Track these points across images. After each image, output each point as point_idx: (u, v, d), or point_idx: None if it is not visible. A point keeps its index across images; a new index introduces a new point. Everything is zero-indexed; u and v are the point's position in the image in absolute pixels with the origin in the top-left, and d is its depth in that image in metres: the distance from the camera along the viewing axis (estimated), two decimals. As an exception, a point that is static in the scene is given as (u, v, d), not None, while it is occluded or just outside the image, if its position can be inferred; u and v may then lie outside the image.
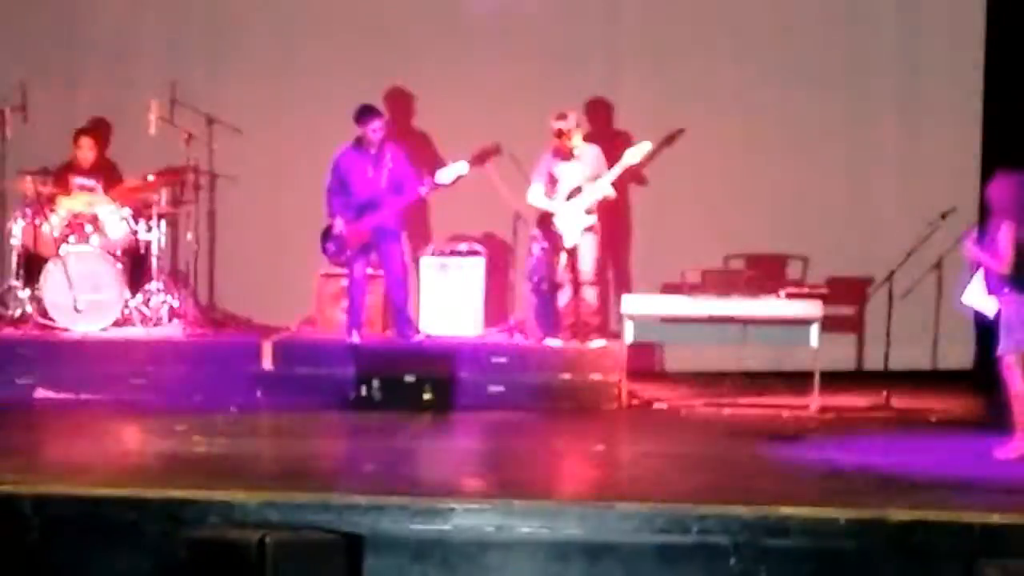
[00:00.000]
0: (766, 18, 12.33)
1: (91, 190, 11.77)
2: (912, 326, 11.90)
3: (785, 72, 12.25)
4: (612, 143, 11.72)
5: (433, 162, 11.96)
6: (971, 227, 10.53)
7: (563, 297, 11.62)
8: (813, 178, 12.17)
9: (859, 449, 10.14)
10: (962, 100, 12.16)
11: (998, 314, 9.69)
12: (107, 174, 12.03)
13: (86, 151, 11.97)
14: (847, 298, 11.89)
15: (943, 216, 11.41)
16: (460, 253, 11.96)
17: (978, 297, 9.89)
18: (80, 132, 12.02)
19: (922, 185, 11.87)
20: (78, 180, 11.80)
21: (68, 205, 11.67)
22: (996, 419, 10.14)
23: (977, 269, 9.84)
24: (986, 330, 10.44)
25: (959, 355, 11.78)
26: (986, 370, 10.66)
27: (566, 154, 11.48)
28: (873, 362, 12.01)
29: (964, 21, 12.24)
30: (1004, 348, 9.65)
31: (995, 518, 8.24)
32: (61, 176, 11.89)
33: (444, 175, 11.63)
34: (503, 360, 11.42)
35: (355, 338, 11.56)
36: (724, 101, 12.11)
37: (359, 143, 11.50)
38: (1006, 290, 9.49)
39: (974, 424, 10.70)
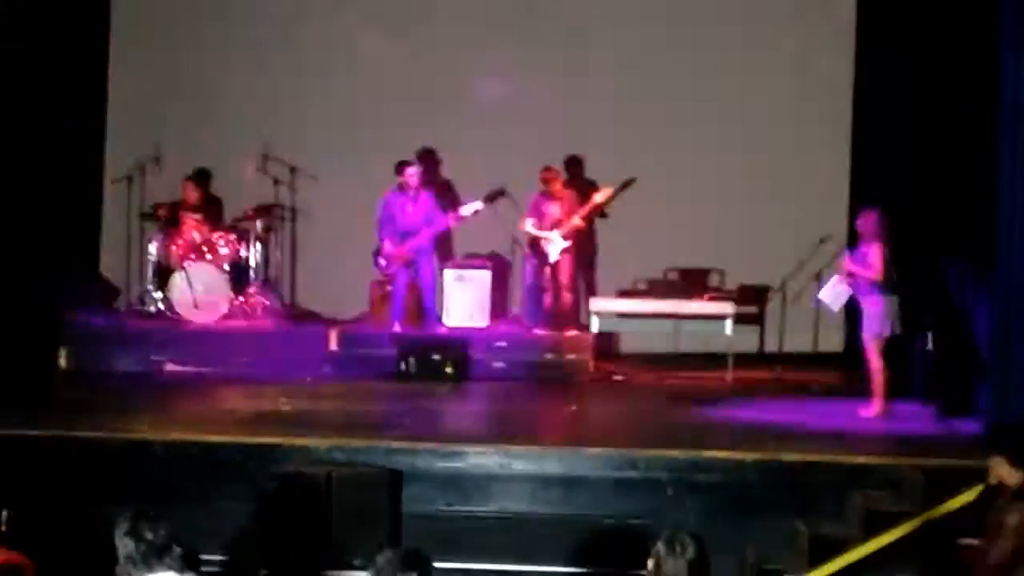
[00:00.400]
0: (692, 100, 12.31)
1: (197, 220, 11.73)
2: (798, 320, 11.89)
3: (710, 140, 12.23)
4: (583, 188, 11.71)
5: (455, 201, 11.95)
6: (843, 249, 10.54)
7: (547, 299, 11.60)
8: (729, 213, 12.15)
9: (760, 409, 10.18)
10: (833, 167, 12.15)
11: (860, 309, 9.81)
12: (212, 208, 11.99)
13: (190, 191, 11.95)
14: (752, 300, 11.92)
15: (821, 241, 11.45)
16: (473, 266, 11.99)
17: (827, 296, 10.08)
18: (186, 178, 12.01)
19: (806, 220, 11.84)
20: (192, 215, 11.75)
21: (189, 231, 11.66)
22: (860, 388, 10.18)
23: (849, 277, 9.91)
24: (852, 324, 10.50)
25: (832, 342, 11.78)
26: (851, 352, 10.71)
27: (550, 196, 11.50)
28: (770, 346, 12.09)
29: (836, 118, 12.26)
30: (868, 335, 9.73)
31: (860, 459, 8.37)
32: (175, 210, 11.84)
33: (464, 210, 11.65)
34: (503, 344, 11.46)
35: (397, 328, 11.54)
36: (664, 159, 12.06)
37: (401, 188, 11.50)
38: (875, 293, 9.58)
39: (843, 391, 10.71)
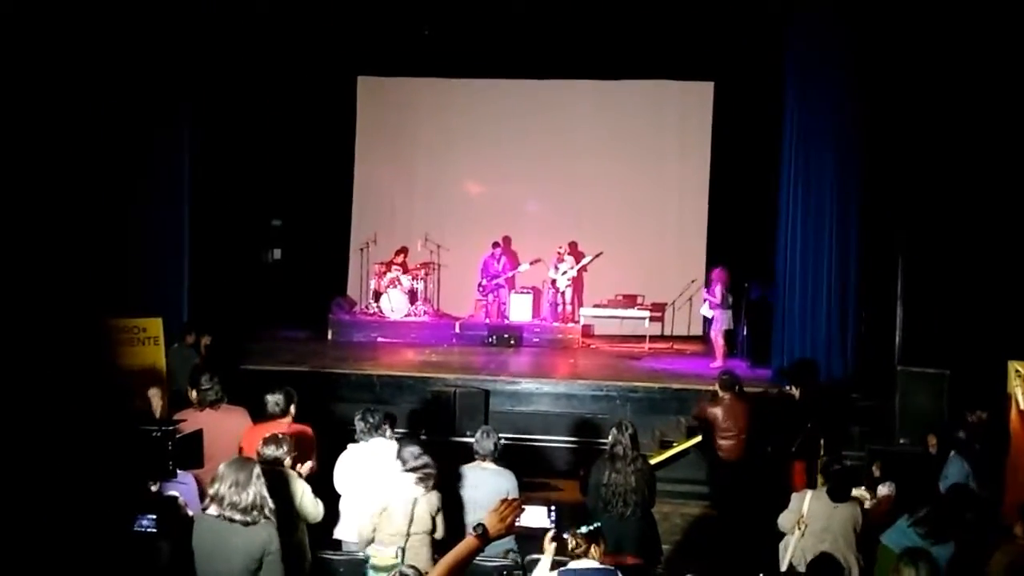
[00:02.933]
0: (626, 209, 12.11)
1: (398, 269, 11.69)
2: (680, 319, 11.81)
3: (639, 230, 12.10)
4: (577, 256, 11.55)
5: (517, 262, 11.90)
6: (702, 287, 10.46)
7: (559, 308, 11.48)
8: (648, 267, 11.96)
9: (661, 362, 10.13)
10: (696, 241, 12.01)
11: (713, 318, 9.74)
12: (405, 264, 11.83)
13: (399, 256, 11.81)
14: (658, 310, 11.76)
15: (692, 281, 11.36)
16: (524, 292, 11.85)
17: (705, 311, 9.96)
18: (397, 251, 11.87)
19: (684, 270, 11.75)
20: (395, 268, 11.68)
21: (389, 274, 11.68)
22: (710, 352, 10.10)
23: (705, 302, 9.87)
24: (708, 321, 10.42)
25: (697, 328, 11.67)
26: (706, 335, 10.63)
27: (560, 260, 11.40)
28: (667, 331, 11.84)
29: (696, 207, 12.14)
30: (715, 331, 9.72)
31: (711, 387, 8.19)
32: (388, 266, 11.77)
33: (521, 268, 11.67)
34: (538, 329, 11.33)
35: (487, 321, 11.49)
36: (616, 241, 11.92)
37: (492, 255, 11.51)
38: (719, 310, 9.55)
39: (702, 354, 10.58)
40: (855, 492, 5.29)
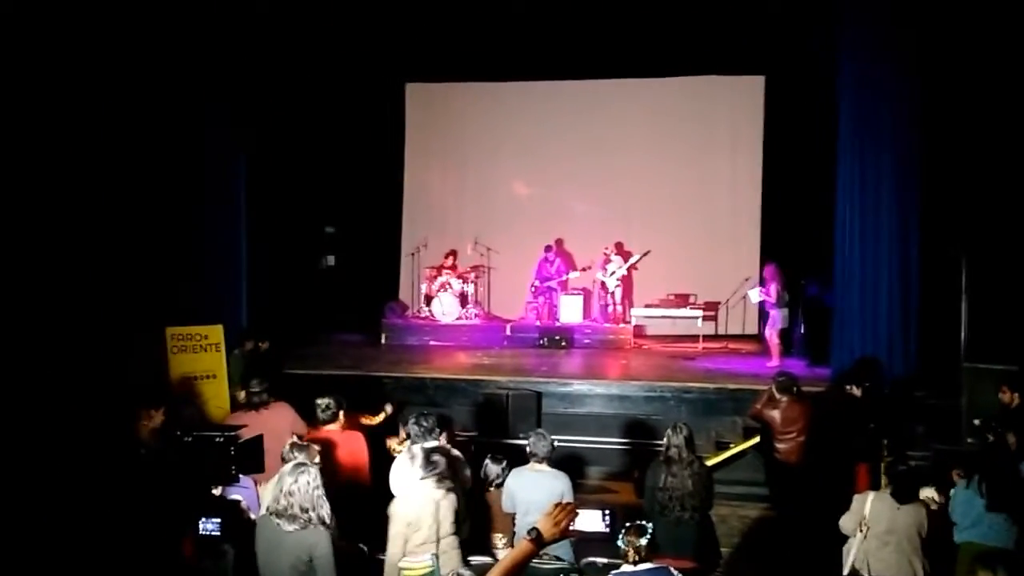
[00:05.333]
0: (678, 206, 12.00)
1: (448, 272, 11.73)
2: (734, 317, 11.64)
3: (690, 227, 11.94)
4: (624, 255, 11.49)
5: (572, 265, 11.82)
6: (756, 283, 10.28)
7: (609, 309, 11.40)
8: (700, 265, 11.81)
9: (715, 362, 9.97)
10: (750, 238, 11.81)
11: (766, 313, 9.60)
12: (455, 268, 11.86)
13: (449, 260, 11.86)
14: (711, 308, 11.59)
15: (746, 279, 11.17)
16: (575, 293, 11.74)
17: (752, 297, 9.86)
18: (447, 254, 11.90)
19: (737, 267, 11.57)
20: (445, 271, 11.73)
21: (440, 278, 11.72)
22: (765, 351, 9.91)
23: (759, 297, 9.72)
24: (763, 320, 10.23)
25: (752, 327, 11.47)
26: (761, 334, 10.43)
27: (608, 260, 11.32)
28: (721, 330, 11.67)
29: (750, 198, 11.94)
30: (771, 330, 9.54)
31: (767, 386, 8.03)
32: (439, 270, 11.81)
33: (571, 275, 11.60)
34: (588, 331, 11.26)
35: (538, 323, 11.47)
36: (665, 239, 11.83)
37: (545, 258, 11.50)
38: (774, 308, 9.38)
39: (758, 353, 10.36)
40: (924, 494, 5.13)
